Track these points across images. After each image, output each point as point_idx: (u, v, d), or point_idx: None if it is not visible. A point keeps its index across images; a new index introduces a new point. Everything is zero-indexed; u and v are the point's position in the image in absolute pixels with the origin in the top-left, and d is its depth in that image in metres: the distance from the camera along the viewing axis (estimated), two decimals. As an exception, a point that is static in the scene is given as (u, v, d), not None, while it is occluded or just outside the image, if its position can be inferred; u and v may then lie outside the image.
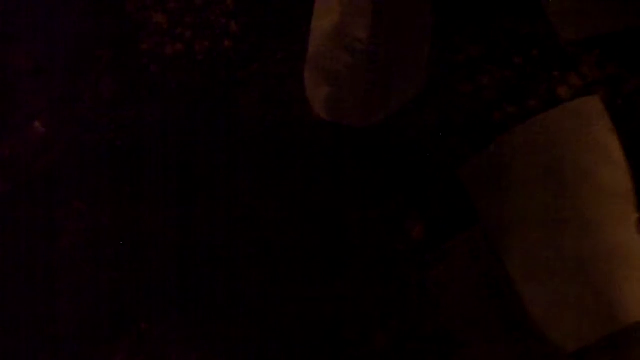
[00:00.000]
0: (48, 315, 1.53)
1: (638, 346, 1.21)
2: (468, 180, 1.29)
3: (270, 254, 1.47)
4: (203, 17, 1.69)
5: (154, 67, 1.69)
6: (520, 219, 1.24)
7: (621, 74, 1.29)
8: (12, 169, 1.65)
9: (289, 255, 1.46)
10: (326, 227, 1.43)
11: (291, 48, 1.59)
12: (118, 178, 1.63)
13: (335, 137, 1.47)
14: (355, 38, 1.48)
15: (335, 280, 1.42)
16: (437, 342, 1.32)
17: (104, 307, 1.49)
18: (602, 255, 1.20)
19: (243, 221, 1.50)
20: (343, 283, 1.42)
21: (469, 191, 1.29)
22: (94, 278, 1.51)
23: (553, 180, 1.23)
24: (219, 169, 1.59)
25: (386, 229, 1.39)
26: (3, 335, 1.51)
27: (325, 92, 1.48)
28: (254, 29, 1.67)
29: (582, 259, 1.20)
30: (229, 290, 1.45)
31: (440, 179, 1.35)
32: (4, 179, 1.64)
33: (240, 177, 1.56)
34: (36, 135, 1.69)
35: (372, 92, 1.46)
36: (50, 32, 1.78)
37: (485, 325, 1.28)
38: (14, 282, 1.52)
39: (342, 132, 1.46)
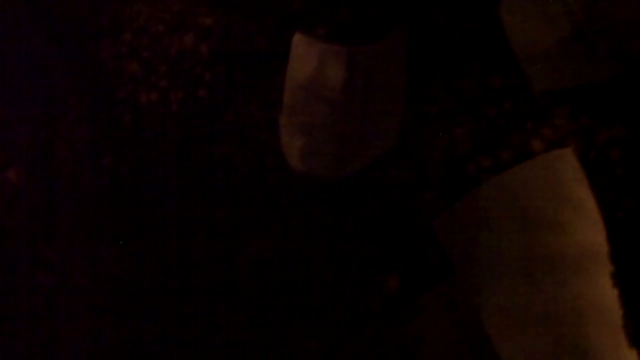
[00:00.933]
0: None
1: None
2: (442, 232, 1.29)
3: (238, 308, 1.46)
4: (178, 67, 1.69)
5: (128, 116, 1.69)
6: (494, 272, 1.23)
7: (594, 125, 1.29)
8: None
9: (256, 311, 1.45)
10: (297, 281, 1.42)
11: (266, 98, 1.59)
12: (92, 227, 1.62)
13: (310, 188, 1.46)
14: (330, 89, 1.48)
15: (308, 337, 1.41)
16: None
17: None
18: (577, 309, 1.19)
19: (211, 273, 1.49)
20: (316, 340, 1.41)
21: (443, 244, 1.29)
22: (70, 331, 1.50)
23: (526, 233, 1.22)
24: (195, 218, 1.58)
25: (360, 283, 1.38)
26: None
27: (299, 144, 1.48)
28: (229, 78, 1.67)
29: (557, 314, 1.19)
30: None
31: (414, 232, 1.34)
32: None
33: (214, 225, 1.55)
34: (9, 185, 1.67)
35: (346, 144, 1.46)
36: (23, 79, 1.77)
37: (462, 379, 1.27)
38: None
39: (316, 184, 1.45)
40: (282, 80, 1.54)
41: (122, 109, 1.69)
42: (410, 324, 1.31)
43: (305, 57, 1.52)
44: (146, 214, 1.58)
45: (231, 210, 1.54)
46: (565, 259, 1.20)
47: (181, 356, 1.50)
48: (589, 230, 1.21)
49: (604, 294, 1.19)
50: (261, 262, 1.48)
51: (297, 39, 1.53)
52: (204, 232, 1.56)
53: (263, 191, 1.51)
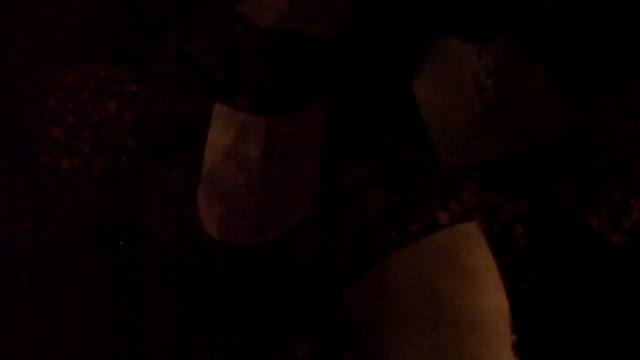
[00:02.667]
0: None
1: None
2: (351, 302, 1.31)
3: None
4: (101, 133, 1.71)
5: (50, 181, 1.69)
6: (400, 344, 1.25)
7: (499, 200, 1.34)
8: None
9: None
10: (212, 344, 1.43)
11: (186, 165, 1.61)
12: (12, 294, 1.61)
13: (226, 255, 1.48)
14: (249, 158, 1.51)
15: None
16: None
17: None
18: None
19: (126, 338, 1.49)
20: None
21: (352, 313, 1.31)
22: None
23: (431, 306, 1.25)
24: (110, 282, 1.58)
25: (271, 349, 1.39)
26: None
27: (217, 212, 1.50)
28: (151, 145, 1.69)
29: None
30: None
31: (325, 300, 1.36)
32: None
33: (132, 291, 1.55)
34: None
35: (262, 213, 1.48)
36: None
37: None
38: None
39: (232, 251, 1.47)
40: (203, 148, 1.56)
41: (44, 174, 1.70)
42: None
43: (225, 126, 1.55)
44: (63, 279, 1.58)
45: (149, 276, 1.54)
46: (469, 332, 1.23)
47: None
48: (491, 302, 1.24)
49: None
50: (176, 325, 1.49)
51: (218, 108, 1.56)
52: (122, 298, 1.56)
53: (181, 257, 1.53)
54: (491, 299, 1.24)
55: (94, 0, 2.02)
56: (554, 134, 1.36)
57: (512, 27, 1.52)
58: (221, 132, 1.55)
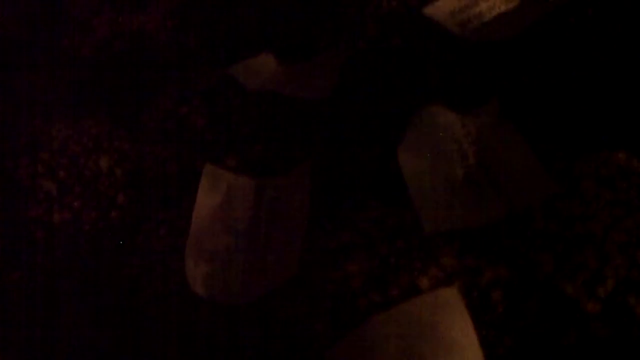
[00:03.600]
0: None
1: None
2: (333, 364, 1.34)
3: None
4: (92, 188, 1.74)
5: (40, 234, 1.72)
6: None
7: (479, 266, 1.37)
8: None
9: None
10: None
11: (175, 224, 1.64)
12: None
13: (210, 313, 1.50)
14: (237, 218, 1.55)
15: None
16: None
17: None
18: None
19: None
20: None
21: (333, 375, 1.34)
22: None
23: (410, 369, 1.29)
24: (97, 337, 1.60)
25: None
26: None
27: (204, 271, 1.53)
28: (141, 202, 1.73)
29: None
30: None
31: (308, 361, 1.39)
32: None
33: (117, 346, 1.57)
34: None
35: (248, 273, 1.52)
36: None
37: None
38: None
39: (216, 309, 1.50)
40: (192, 207, 1.59)
41: (34, 226, 1.72)
42: None
43: (214, 186, 1.58)
44: (50, 330, 1.60)
45: (134, 332, 1.57)
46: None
47: None
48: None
49: None
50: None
51: (208, 168, 1.60)
52: (108, 350, 1.58)
53: (166, 314, 1.55)
54: (469, 364, 1.27)
55: (91, 57, 2.07)
56: (533, 204, 1.40)
57: (496, 97, 1.56)
58: (210, 192, 1.59)
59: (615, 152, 1.44)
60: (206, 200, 1.58)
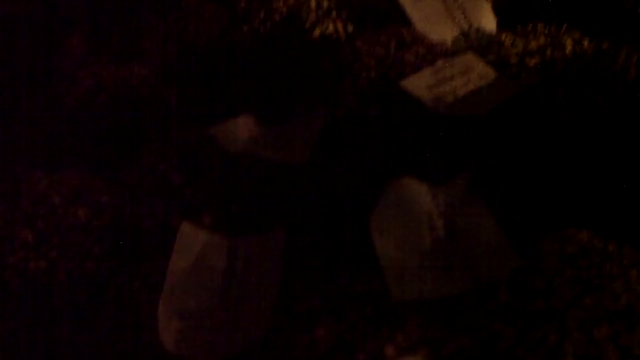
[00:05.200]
0: None
1: None
2: None
3: None
4: (69, 239, 1.77)
5: (15, 282, 1.74)
6: None
7: (442, 336, 1.42)
8: None
9: None
10: None
11: (149, 279, 1.68)
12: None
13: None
14: (210, 277, 1.58)
15: None
16: None
17: None
18: None
19: None
20: None
21: None
22: None
23: None
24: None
25: None
26: None
27: (175, 327, 1.56)
28: (116, 255, 1.76)
29: None
30: None
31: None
32: None
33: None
34: None
35: (219, 332, 1.55)
36: None
37: None
38: None
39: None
40: (166, 263, 1.63)
41: (9, 274, 1.75)
42: None
43: (189, 244, 1.62)
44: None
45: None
46: None
47: None
48: None
49: None
50: None
51: (184, 226, 1.63)
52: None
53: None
54: None
55: (75, 109, 2.11)
56: (498, 277, 1.45)
57: (466, 171, 1.62)
58: (184, 249, 1.62)
59: (579, 231, 1.49)
60: (181, 258, 1.61)
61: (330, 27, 2.15)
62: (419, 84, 1.81)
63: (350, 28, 2.15)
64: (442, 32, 2.05)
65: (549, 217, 1.57)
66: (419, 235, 1.53)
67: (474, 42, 2.01)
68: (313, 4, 2.19)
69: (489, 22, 2.13)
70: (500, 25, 2.10)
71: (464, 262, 1.49)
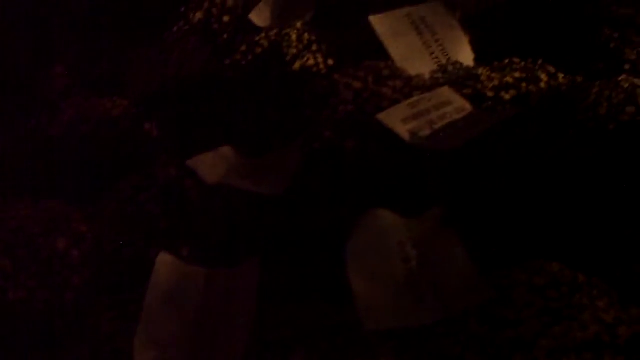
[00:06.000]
0: None
1: None
2: None
3: None
4: (48, 268, 1.79)
5: (-7, 311, 1.76)
6: None
7: (415, 366, 1.44)
8: None
9: None
10: None
11: (126, 308, 1.69)
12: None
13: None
14: (187, 307, 1.61)
15: None
16: None
17: None
18: None
19: None
20: None
21: None
22: None
23: None
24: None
25: None
26: None
27: (151, 356, 1.58)
28: (95, 285, 1.78)
29: None
30: None
31: None
32: None
33: None
34: None
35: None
36: None
37: None
38: None
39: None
40: (144, 293, 1.64)
41: (-13, 304, 1.76)
42: None
43: (167, 275, 1.64)
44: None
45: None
46: None
47: None
48: None
49: None
50: None
51: (161, 257, 1.66)
52: None
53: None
54: None
55: (57, 139, 2.14)
56: (468, 307, 1.47)
57: (440, 203, 1.65)
58: (162, 280, 1.64)
59: (549, 262, 1.52)
60: (158, 288, 1.63)
61: (311, 61, 2.18)
62: (395, 117, 1.85)
63: (330, 61, 2.18)
64: (420, 66, 2.08)
65: (520, 248, 1.60)
66: (392, 266, 1.55)
67: (452, 76, 2.04)
68: (294, 37, 2.22)
69: (466, 56, 2.16)
70: (478, 59, 2.13)
71: (436, 292, 1.51)
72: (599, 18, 2.15)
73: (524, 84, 1.98)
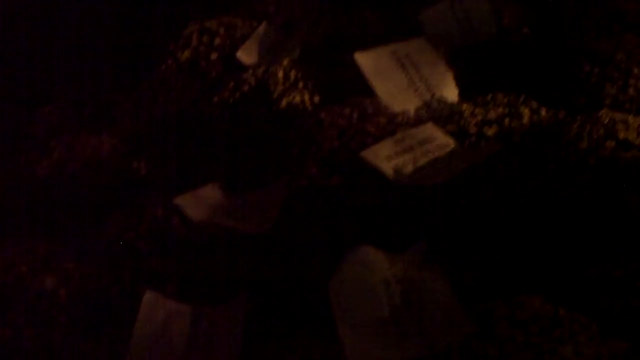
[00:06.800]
0: None
1: None
2: None
3: None
4: (36, 307, 1.80)
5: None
6: None
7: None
8: None
9: None
10: None
11: (114, 346, 1.71)
12: None
13: None
14: (174, 344, 1.62)
15: None
16: None
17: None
18: None
19: None
20: None
21: None
22: None
23: None
24: None
25: None
26: None
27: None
28: (82, 323, 1.79)
29: None
30: None
31: None
32: None
33: None
34: None
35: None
36: None
37: None
38: None
39: None
40: (131, 330, 1.66)
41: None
42: None
43: (154, 312, 1.66)
44: None
45: None
46: None
47: None
48: None
49: None
50: None
51: (148, 295, 1.67)
52: None
53: None
54: None
55: (45, 177, 2.16)
56: (451, 343, 1.49)
57: (424, 239, 1.67)
58: (149, 317, 1.66)
59: (531, 297, 1.54)
60: (145, 326, 1.65)
61: (297, 98, 2.21)
62: (379, 154, 1.87)
63: (316, 99, 2.21)
64: (405, 103, 2.12)
65: (502, 283, 1.62)
66: (376, 302, 1.57)
67: (436, 112, 2.07)
68: (281, 75, 2.26)
69: (450, 92, 2.20)
70: (462, 94, 2.16)
71: (420, 328, 1.53)
72: (581, 54, 2.18)
73: (506, 120, 2.01)
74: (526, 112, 2.04)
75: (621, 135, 1.84)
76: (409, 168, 1.88)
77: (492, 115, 2.02)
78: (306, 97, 2.24)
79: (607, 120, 1.88)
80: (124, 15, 2.82)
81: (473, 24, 2.46)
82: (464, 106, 2.08)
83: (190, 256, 1.85)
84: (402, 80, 2.22)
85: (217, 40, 2.48)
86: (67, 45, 2.78)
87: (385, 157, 1.89)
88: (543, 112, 2.05)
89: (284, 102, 2.22)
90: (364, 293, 1.63)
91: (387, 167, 1.87)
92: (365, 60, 2.24)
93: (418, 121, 2.07)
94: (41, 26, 2.89)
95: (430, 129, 2.00)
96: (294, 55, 2.35)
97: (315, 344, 1.59)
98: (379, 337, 1.56)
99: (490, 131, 1.99)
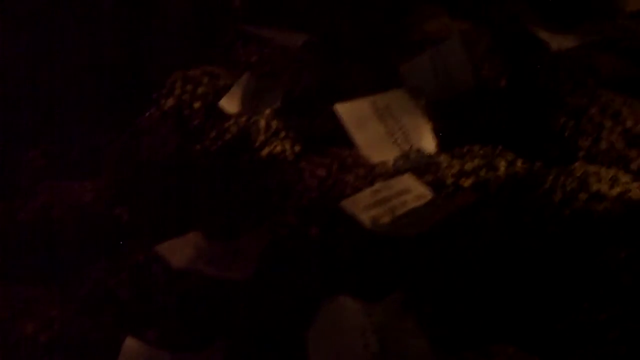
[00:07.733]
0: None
1: None
2: None
3: None
4: (15, 353, 1.82)
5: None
6: None
7: None
8: None
9: None
10: None
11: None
12: None
13: None
14: None
15: None
16: None
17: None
18: None
19: None
20: None
21: None
22: None
23: None
24: None
25: None
26: None
27: None
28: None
29: None
30: None
31: None
32: None
33: None
34: None
35: None
36: None
37: None
38: None
39: None
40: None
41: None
42: None
43: (133, 359, 1.68)
44: None
45: None
46: None
47: None
48: None
49: None
50: None
51: (128, 341, 1.70)
52: None
53: None
54: None
55: (28, 223, 2.18)
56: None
57: (400, 289, 1.70)
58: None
59: (506, 346, 1.57)
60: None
61: (278, 147, 2.25)
62: (357, 204, 1.91)
63: (297, 148, 2.25)
64: (384, 154, 2.16)
65: (477, 333, 1.65)
66: (353, 351, 1.60)
67: (414, 163, 2.11)
68: (262, 124, 2.30)
69: (428, 143, 2.24)
70: (440, 146, 2.21)
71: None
72: (556, 107, 2.24)
73: (483, 171, 2.05)
74: (502, 164, 2.08)
75: (594, 187, 1.89)
76: (387, 218, 1.92)
77: (468, 166, 2.07)
78: (287, 146, 2.28)
79: (580, 173, 1.92)
80: (109, 63, 2.86)
81: (452, 76, 2.51)
82: (442, 157, 2.13)
83: (171, 303, 1.87)
84: (381, 131, 2.27)
85: (201, 89, 2.52)
86: (52, 91, 2.81)
87: (363, 207, 1.93)
88: (519, 163, 2.09)
89: (265, 151, 2.26)
90: (341, 342, 1.66)
91: (365, 217, 1.91)
92: (345, 110, 2.28)
93: (396, 172, 2.11)
94: (25, 72, 2.92)
95: (407, 180, 2.04)
96: (276, 105, 2.39)
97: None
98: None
99: (466, 182, 2.03)
